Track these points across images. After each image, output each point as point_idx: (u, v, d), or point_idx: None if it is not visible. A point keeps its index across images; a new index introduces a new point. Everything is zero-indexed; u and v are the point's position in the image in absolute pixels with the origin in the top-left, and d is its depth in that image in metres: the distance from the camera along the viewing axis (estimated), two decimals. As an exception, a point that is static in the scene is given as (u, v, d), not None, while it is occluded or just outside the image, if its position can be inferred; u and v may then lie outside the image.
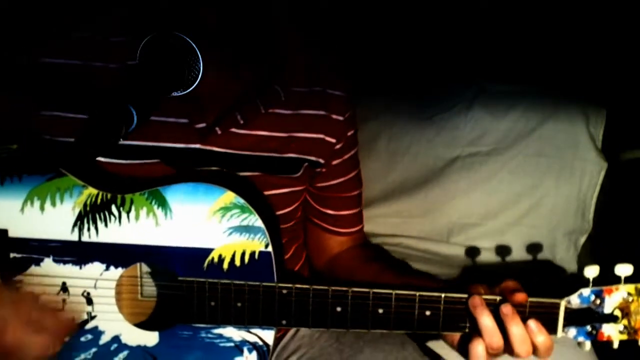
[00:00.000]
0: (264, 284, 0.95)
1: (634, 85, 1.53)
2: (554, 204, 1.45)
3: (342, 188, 1.16)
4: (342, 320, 0.96)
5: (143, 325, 0.99)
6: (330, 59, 1.11)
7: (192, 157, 1.01)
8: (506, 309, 0.92)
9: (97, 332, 0.99)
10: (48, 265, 0.96)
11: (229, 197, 0.95)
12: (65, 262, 0.96)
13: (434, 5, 1.61)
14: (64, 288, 0.97)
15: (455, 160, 1.49)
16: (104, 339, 0.99)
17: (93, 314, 0.98)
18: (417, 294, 0.95)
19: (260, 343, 0.99)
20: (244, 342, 0.99)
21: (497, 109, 1.49)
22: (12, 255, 0.96)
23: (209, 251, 0.96)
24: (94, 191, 0.95)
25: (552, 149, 1.47)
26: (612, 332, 0.97)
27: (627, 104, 1.54)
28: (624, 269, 0.95)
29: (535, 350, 0.93)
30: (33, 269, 0.96)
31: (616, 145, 1.53)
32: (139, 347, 0.99)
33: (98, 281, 0.97)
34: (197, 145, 1.01)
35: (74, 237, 0.96)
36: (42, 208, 0.95)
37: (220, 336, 0.99)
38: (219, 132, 1.01)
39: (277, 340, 1.11)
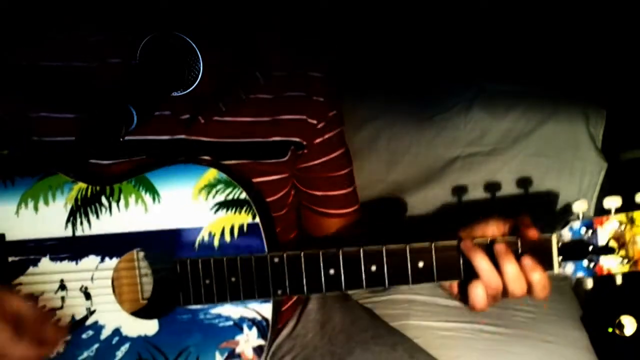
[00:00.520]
0: (255, 255, 0.96)
1: (634, 85, 1.55)
2: (553, 203, 1.44)
3: (327, 168, 1.17)
4: (337, 283, 0.95)
5: (142, 313, 1.00)
6: (307, 41, 1.15)
7: (178, 148, 1.04)
8: (499, 247, 0.91)
9: (97, 327, 0.99)
10: (45, 264, 0.98)
11: (212, 173, 0.97)
12: (61, 260, 0.98)
13: (434, 5, 1.65)
14: (62, 286, 0.99)
15: (455, 160, 1.51)
16: (105, 334, 0.99)
17: (92, 309, 0.99)
18: (407, 246, 0.95)
19: (259, 318, 0.99)
20: (243, 319, 0.98)
21: (497, 109, 1.52)
22: (10, 259, 0.99)
23: (198, 230, 0.97)
24: (83, 185, 0.98)
25: (552, 149, 1.48)
26: (612, 265, 0.95)
27: (627, 104, 1.56)
28: (612, 202, 0.95)
29: (530, 289, 0.91)
30: (31, 270, 0.98)
31: (616, 145, 1.54)
32: (139, 337, 0.99)
33: (95, 274, 0.98)
34: (182, 136, 1.04)
35: (68, 232, 0.98)
36: (35, 208, 0.98)
37: (219, 316, 0.99)
38: (202, 121, 1.04)
39: (272, 339, 1.09)
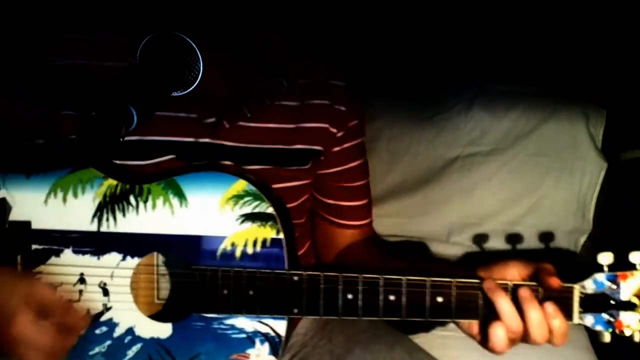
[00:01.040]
0: (275, 270, 0.96)
1: (634, 85, 1.53)
2: (553, 204, 1.44)
3: (344, 178, 1.17)
4: (353, 308, 0.95)
5: (157, 316, 1.00)
6: (328, 52, 1.16)
7: (203, 151, 1.05)
8: (524, 292, 0.91)
9: (111, 324, 1.00)
10: (67, 256, 0.99)
11: (241, 184, 0.98)
12: (84, 253, 0.99)
13: (434, 5, 1.64)
14: (82, 279, 0.99)
15: (455, 160, 1.50)
16: (119, 331, 1.00)
17: (109, 305, 0.99)
18: (428, 279, 0.95)
19: (273, 334, 0.99)
20: (256, 332, 0.99)
21: (497, 109, 1.51)
22: (34, 246, 1.00)
23: (221, 239, 0.98)
24: (113, 182, 0.99)
25: (552, 149, 1.47)
26: (632, 322, 0.94)
27: (627, 104, 1.53)
28: (638, 257, 0.94)
29: (550, 336, 0.91)
30: (53, 260, 0.99)
31: (616, 145, 1.52)
32: (152, 339, 0.99)
33: (115, 271, 0.99)
34: (207, 140, 1.05)
35: (94, 227, 0.99)
36: (64, 199, 0.99)
37: (233, 327, 0.99)
38: (227, 126, 1.05)
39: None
